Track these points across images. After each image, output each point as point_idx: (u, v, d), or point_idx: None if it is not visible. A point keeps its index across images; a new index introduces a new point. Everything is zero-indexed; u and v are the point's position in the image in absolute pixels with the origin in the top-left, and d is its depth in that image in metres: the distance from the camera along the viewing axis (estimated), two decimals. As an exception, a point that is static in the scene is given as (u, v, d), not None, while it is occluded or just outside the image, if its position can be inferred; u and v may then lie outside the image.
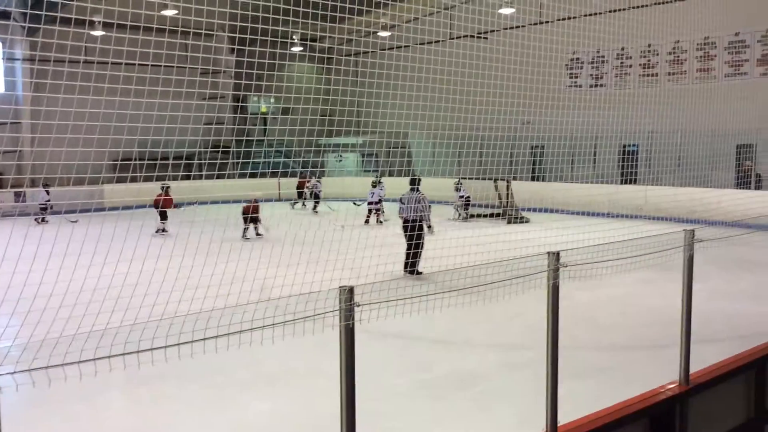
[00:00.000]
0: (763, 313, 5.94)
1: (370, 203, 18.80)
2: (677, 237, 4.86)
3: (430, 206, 11.94)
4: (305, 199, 22.66)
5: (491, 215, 19.13)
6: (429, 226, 11.46)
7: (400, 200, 11.95)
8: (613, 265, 5.00)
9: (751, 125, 16.51)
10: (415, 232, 10.83)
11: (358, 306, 3.07)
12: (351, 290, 3.07)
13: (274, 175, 20.64)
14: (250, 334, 2.93)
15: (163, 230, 16.26)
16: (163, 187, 16.70)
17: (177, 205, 16.71)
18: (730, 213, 10.68)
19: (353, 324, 3.06)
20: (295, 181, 22.62)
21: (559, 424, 3.87)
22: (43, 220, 18.92)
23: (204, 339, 2.74)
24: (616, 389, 5.86)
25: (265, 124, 23.37)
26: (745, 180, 16.51)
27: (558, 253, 4.05)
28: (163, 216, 16.38)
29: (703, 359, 4.97)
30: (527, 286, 4.47)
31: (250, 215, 14.98)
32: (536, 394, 4.10)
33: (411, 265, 10.22)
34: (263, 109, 24.53)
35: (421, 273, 10.17)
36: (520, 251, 5.41)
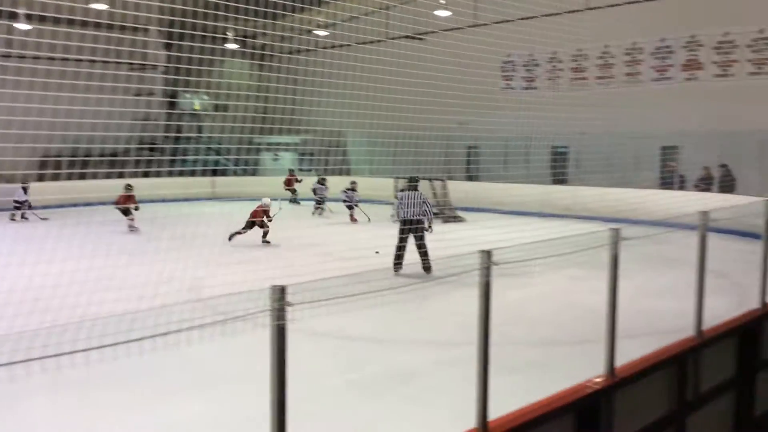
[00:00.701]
0: (683, 308, 6.17)
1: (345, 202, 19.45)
2: (603, 235, 4.99)
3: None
4: (295, 198, 22.49)
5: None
6: (430, 226, 11.42)
7: (399, 200, 11.80)
8: (543, 263, 5.10)
9: (674, 127, 17.16)
10: (416, 233, 10.93)
11: (290, 305, 3.04)
12: (283, 289, 3.03)
13: (205, 173, 20.25)
14: (176, 336, 2.86)
15: (133, 228, 16.04)
16: (127, 187, 16.44)
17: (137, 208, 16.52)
18: (654, 212, 11.07)
19: (285, 324, 3.03)
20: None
21: (489, 419, 3.92)
22: (22, 217, 18.63)
23: (128, 341, 2.66)
24: (547, 383, 5.99)
25: (199, 122, 22.92)
26: (668, 180, 17.16)
27: (490, 252, 4.10)
28: (126, 212, 16.12)
29: (629, 354, 5.13)
30: (460, 284, 4.53)
31: (258, 220, 13.05)
32: (470, 390, 4.15)
33: (423, 263, 10.47)
34: (196, 106, 24.06)
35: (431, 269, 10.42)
36: (454, 250, 5.45)
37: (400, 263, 10.41)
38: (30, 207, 18.41)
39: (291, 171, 23.29)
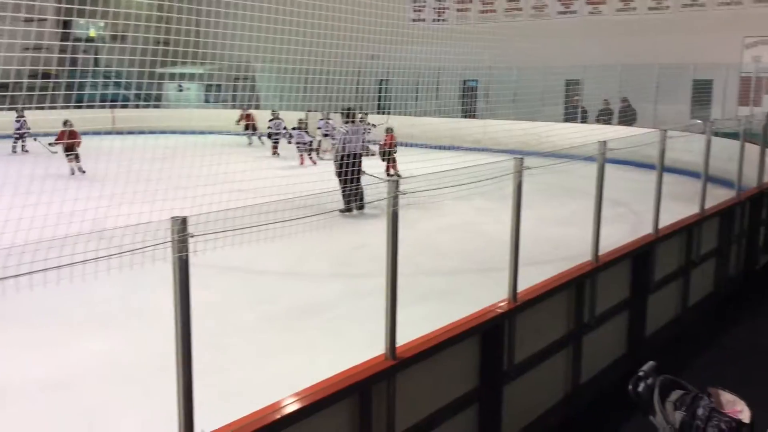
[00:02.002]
0: (582, 236, 6.45)
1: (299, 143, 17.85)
2: (508, 165, 5.11)
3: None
4: (252, 134, 21.51)
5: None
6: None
7: (344, 133, 11.34)
8: (451, 194, 5.18)
9: (578, 61, 17.58)
10: (358, 168, 10.59)
11: (192, 237, 2.96)
12: (184, 220, 2.95)
13: (104, 106, 19.23)
14: (74, 270, 2.74)
15: (80, 170, 14.80)
16: (65, 123, 15.46)
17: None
18: (558, 145, 11.40)
19: (187, 256, 2.96)
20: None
21: (397, 345, 4.02)
22: (23, 149, 18.54)
23: (17, 275, 2.53)
24: (456, 311, 6.19)
25: (95, 51, 21.66)
26: (572, 114, 17.67)
27: (398, 181, 4.13)
28: (71, 149, 15.00)
29: (532, 279, 5.35)
30: (370, 217, 4.55)
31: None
32: (380, 320, 4.23)
33: (359, 201, 9.69)
34: (92, 34, 22.64)
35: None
36: (364, 182, 5.47)
37: (356, 199, 9.78)
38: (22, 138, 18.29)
39: (245, 107, 22.08)
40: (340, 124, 12.12)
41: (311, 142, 17.54)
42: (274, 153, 19.03)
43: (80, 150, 15.42)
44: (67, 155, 15.27)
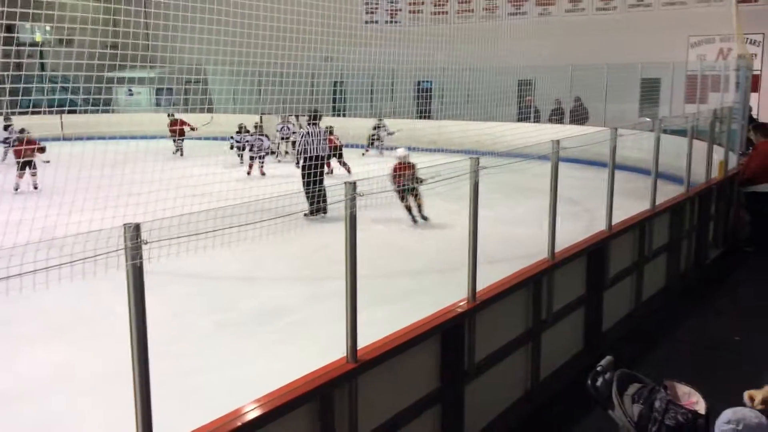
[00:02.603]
0: (538, 234, 6.54)
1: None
2: (464, 165, 5.13)
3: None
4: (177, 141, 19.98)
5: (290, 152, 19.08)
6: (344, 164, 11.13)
7: (306, 134, 11.27)
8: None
9: (530, 62, 17.81)
10: (321, 170, 10.59)
11: (146, 243, 2.90)
12: (137, 227, 2.88)
13: (52, 112, 18.78)
14: (23, 281, 2.65)
15: (35, 186, 13.44)
16: (22, 130, 14.89)
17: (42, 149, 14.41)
18: (512, 144, 11.53)
19: (141, 263, 2.89)
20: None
21: (358, 348, 4.00)
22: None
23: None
24: (416, 311, 6.19)
25: (42, 56, 21.12)
26: (525, 113, 17.90)
27: (355, 183, 4.11)
28: (29, 165, 13.78)
29: (490, 278, 5.39)
30: (329, 219, 4.53)
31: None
32: (340, 323, 4.21)
33: (322, 203, 9.46)
34: (37, 38, 22.07)
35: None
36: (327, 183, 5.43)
37: (320, 202, 9.49)
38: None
39: (170, 113, 21.01)
40: (304, 127, 11.97)
41: (269, 146, 16.53)
42: (250, 171, 16.20)
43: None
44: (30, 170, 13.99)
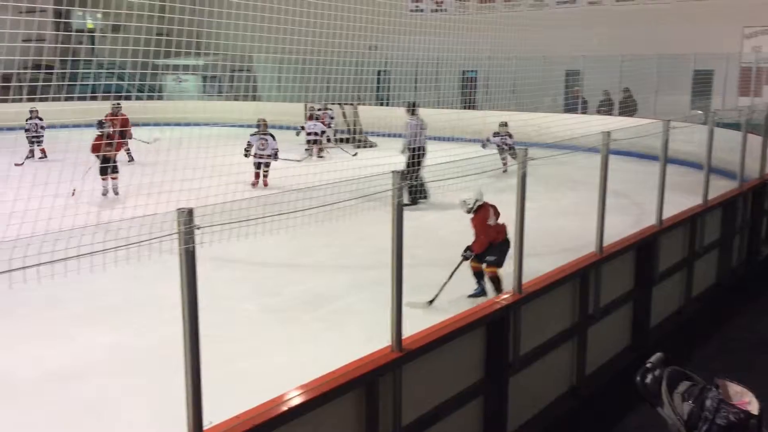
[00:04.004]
0: (584, 227, 6.43)
1: (309, 133, 17.22)
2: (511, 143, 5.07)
3: None
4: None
5: (338, 140, 19.13)
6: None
7: (414, 126, 11.22)
8: (453, 185, 5.16)
9: (578, 52, 17.51)
10: (419, 159, 10.26)
11: (199, 228, 2.93)
12: (190, 212, 2.92)
13: (106, 98, 19.14)
14: (78, 263, 2.71)
15: (115, 192, 11.28)
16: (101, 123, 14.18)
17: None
18: (558, 136, 11.37)
19: (194, 247, 2.93)
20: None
21: (403, 337, 4.00)
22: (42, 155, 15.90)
23: (24, 268, 2.50)
24: (459, 302, 6.18)
25: (93, 42, 21.55)
26: (573, 105, 17.62)
27: (402, 172, 4.10)
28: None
29: (535, 270, 5.33)
30: (373, 206, 4.52)
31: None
32: (384, 311, 4.21)
33: (421, 193, 9.77)
34: (90, 25, 22.52)
35: None
36: (367, 173, 5.40)
37: (420, 191, 9.73)
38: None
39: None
40: (408, 118, 11.74)
41: (275, 148, 13.49)
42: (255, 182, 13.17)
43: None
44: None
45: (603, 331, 5.89)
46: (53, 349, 5.28)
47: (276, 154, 12.98)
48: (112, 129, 14.38)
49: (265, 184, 12.58)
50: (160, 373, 4.68)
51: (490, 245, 6.32)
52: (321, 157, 17.02)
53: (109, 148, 11.13)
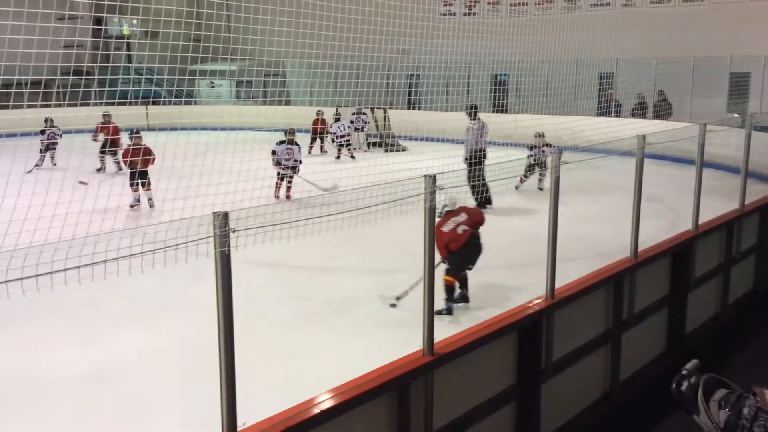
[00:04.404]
0: (618, 231, 6.37)
1: (339, 136, 17.45)
2: (545, 160, 5.04)
3: None
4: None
5: (370, 143, 19.19)
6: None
7: (476, 129, 11.04)
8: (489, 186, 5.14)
9: (612, 54, 17.31)
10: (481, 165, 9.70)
11: (234, 232, 2.97)
12: (225, 215, 2.96)
13: (143, 103, 19.47)
14: (114, 265, 2.76)
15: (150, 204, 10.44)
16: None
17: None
18: (591, 139, 11.26)
19: (229, 250, 2.97)
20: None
21: (435, 341, 4.00)
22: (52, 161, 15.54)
23: (65, 270, 2.55)
24: (489, 307, 6.14)
25: (129, 49, 21.94)
26: (606, 108, 17.42)
27: (435, 176, 4.10)
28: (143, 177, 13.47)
29: (567, 276, 5.28)
30: (404, 210, 4.53)
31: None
32: (414, 315, 4.21)
33: (484, 196, 9.66)
34: (126, 32, 22.93)
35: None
36: (398, 177, 5.41)
37: (484, 194, 9.67)
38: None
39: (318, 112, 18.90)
40: (470, 122, 11.45)
41: (299, 161, 12.53)
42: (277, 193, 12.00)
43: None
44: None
45: (637, 337, 5.81)
46: (90, 350, 5.37)
47: (298, 166, 11.97)
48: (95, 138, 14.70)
49: (288, 197, 11.60)
50: (194, 374, 4.74)
51: (455, 252, 6.12)
52: (353, 158, 17.09)
53: (136, 158, 9.93)
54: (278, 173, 11.65)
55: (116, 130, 15.09)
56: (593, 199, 11.23)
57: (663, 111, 17.20)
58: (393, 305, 6.19)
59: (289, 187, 11.73)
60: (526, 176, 11.68)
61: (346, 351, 5.37)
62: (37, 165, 14.95)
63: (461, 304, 6.18)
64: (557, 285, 4.94)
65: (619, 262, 5.67)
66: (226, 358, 3.02)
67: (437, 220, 6.08)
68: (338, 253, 8.04)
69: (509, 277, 7.15)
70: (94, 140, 15.01)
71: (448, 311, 6.00)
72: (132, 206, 10.09)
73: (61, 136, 15.87)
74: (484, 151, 10.68)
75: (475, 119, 11.30)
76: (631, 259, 5.69)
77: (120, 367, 5.08)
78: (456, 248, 6.06)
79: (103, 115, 15.17)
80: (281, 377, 4.82)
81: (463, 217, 6.18)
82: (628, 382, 5.68)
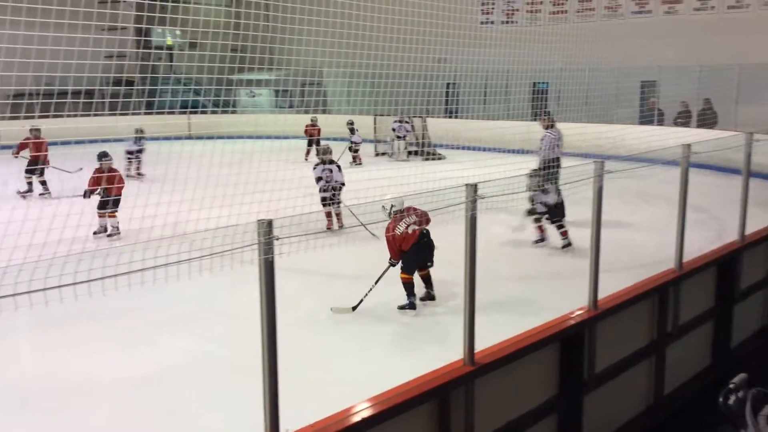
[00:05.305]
0: (662, 242, 6.27)
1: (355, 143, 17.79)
2: (587, 168, 4.99)
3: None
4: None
5: (410, 152, 19.23)
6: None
7: (553, 138, 10.77)
8: (523, 197, 5.11)
9: (654, 62, 17.07)
10: (557, 176, 9.55)
11: (278, 239, 3.00)
12: (270, 223, 2.99)
13: (183, 112, 19.83)
14: (160, 272, 2.81)
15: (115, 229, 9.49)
16: (32, 130, 12.92)
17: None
18: (633, 148, 11.11)
19: (273, 258, 3.00)
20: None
21: (475, 351, 3.97)
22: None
23: (115, 275, 2.61)
24: (530, 317, 6.08)
25: (171, 59, 22.37)
26: (648, 116, 17.17)
27: (476, 185, 4.09)
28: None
29: (610, 287, 5.21)
30: (441, 220, 4.53)
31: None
32: (454, 324, 4.18)
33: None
34: (168, 42, 23.39)
35: None
36: (436, 186, 5.41)
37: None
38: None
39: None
40: (542, 130, 11.14)
41: (341, 181, 11.06)
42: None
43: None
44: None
45: (682, 349, 5.70)
46: (134, 354, 5.47)
47: (341, 188, 10.26)
48: (16, 154, 13.10)
49: (340, 225, 9.62)
50: (235, 379, 4.79)
51: (408, 251, 6.40)
52: (359, 164, 17.51)
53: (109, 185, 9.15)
54: (322, 200, 9.88)
55: (43, 147, 13.11)
56: (635, 209, 11.05)
57: (708, 119, 16.88)
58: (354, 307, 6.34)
59: (338, 214, 9.90)
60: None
61: (385, 359, 5.37)
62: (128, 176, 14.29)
63: (428, 302, 6.53)
64: (601, 296, 4.88)
65: (663, 273, 5.57)
66: (269, 363, 3.05)
67: (387, 222, 6.42)
68: (377, 261, 8.04)
69: (549, 287, 7.07)
70: (15, 156, 13.22)
71: (411, 306, 6.34)
72: (96, 233, 9.09)
73: (144, 148, 15.56)
74: (559, 160, 10.30)
75: (551, 127, 10.92)
76: (675, 270, 5.59)
77: (163, 371, 5.15)
78: (408, 248, 6.38)
79: (31, 129, 13.26)
80: (319, 384, 4.84)
81: (412, 217, 6.41)
82: (673, 396, 5.57)
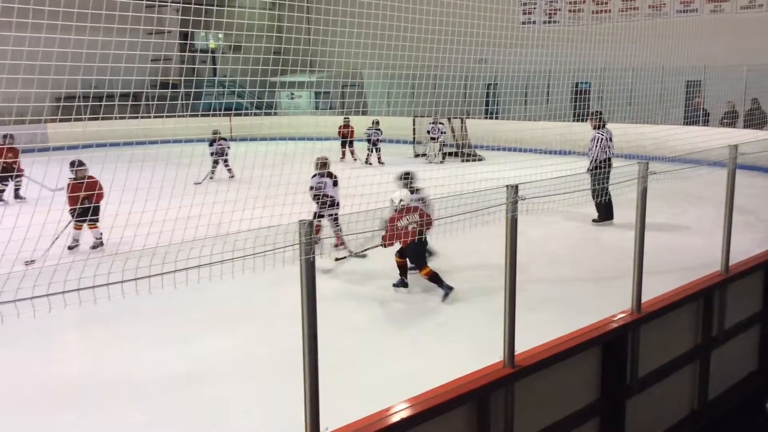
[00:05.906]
0: (707, 245, 6.13)
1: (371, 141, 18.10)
2: (631, 170, 4.92)
3: None
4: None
5: (446, 153, 19.19)
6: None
7: (603, 139, 10.60)
8: (570, 197, 5.06)
9: (699, 62, 16.72)
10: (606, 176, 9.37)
11: (319, 240, 3.03)
12: (311, 224, 3.02)
13: (226, 115, 20.12)
14: (209, 269, 2.86)
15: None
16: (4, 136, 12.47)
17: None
18: (677, 148, 10.90)
19: (314, 258, 3.03)
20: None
21: (516, 353, 3.95)
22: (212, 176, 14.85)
23: (162, 274, 2.67)
24: (570, 319, 6.02)
25: (214, 62, 22.72)
26: (693, 116, 16.82)
27: (516, 187, 4.07)
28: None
29: (653, 290, 5.12)
30: (482, 221, 4.51)
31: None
32: (492, 326, 4.17)
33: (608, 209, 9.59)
34: (212, 45, 23.79)
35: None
36: (476, 187, 5.40)
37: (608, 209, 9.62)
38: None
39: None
40: (591, 130, 10.95)
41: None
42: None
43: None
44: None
45: (728, 354, 5.58)
46: (175, 351, 5.57)
47: (336, 204, 8.28)
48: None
49: (339, 243, 7.78)
50: (275, 377, 4.84)
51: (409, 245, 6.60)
52: (369, 163, 17.77)
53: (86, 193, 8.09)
54: (314, 214, 8.01)
55: (13, 153, 12.54)
56: (680, 211, 10.85)
57: (755, 120, 16.47)
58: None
59: (337, 233, 7.92)
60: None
61: (423, 360, 5.37)
62: (210, 177, 14.63)
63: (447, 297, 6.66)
64: (645, 299, 4.80)
65: (708, 276, 5.46)
66: (309, 362, 3.09)
67: (393, 214, 6.53)
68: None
69: (592, 289, 6.99)
70: None
71: (403, 284, 6.91)
72: (71, 247, 8.50)
73: (229, 147, 15.45)
74: (610, 161, 10.16)
75: (603, 128, 10.73)
76: (721, 273, 5.47)
77: (204, 369, 5.23)
78: (405, 246, 6.60)
79: (4, 135, 12.71)
80: (358, 384, 4.86)
81: (415, 216, 6.59)
82: (718, 401, 5.45)
